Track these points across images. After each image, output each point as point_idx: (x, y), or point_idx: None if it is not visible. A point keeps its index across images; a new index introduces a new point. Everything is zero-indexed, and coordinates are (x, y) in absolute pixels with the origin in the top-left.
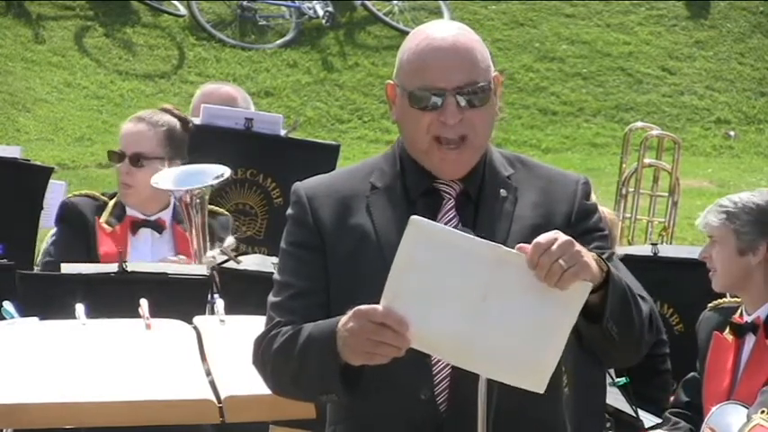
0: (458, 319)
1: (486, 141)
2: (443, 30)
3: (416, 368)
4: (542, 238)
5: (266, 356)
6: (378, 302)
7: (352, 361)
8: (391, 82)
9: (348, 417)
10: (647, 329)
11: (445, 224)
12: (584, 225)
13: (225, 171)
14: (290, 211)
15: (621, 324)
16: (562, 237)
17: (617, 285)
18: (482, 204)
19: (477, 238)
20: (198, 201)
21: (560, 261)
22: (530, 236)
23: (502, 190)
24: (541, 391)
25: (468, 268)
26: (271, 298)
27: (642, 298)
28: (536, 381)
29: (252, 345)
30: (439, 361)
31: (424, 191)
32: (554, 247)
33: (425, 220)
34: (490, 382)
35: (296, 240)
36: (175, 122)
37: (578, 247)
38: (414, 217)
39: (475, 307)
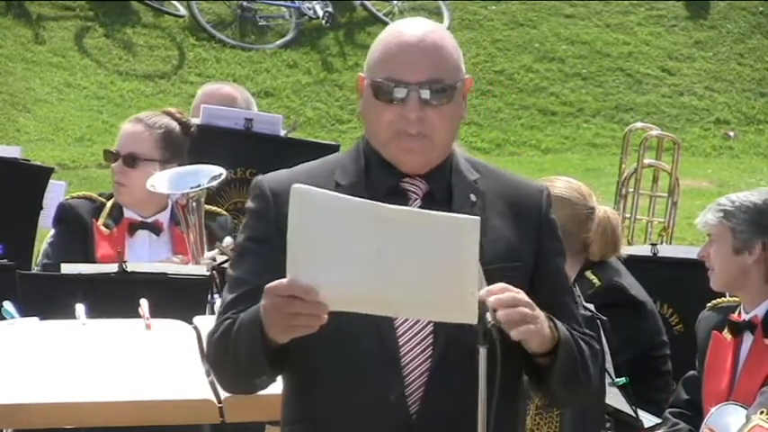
0: (363, 277)
1: (449, 142)
2: (415, 26)
3: (386, 369)
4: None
5: (210, 350)
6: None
7: (277, 338)
8: (362, 74)
9: (308, 416)
10: (592, 386)
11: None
12: (550, 245)
13: (220, 172)
14: (250, 204)
15: (567, 384)
16: (527, 300)
17: (566, 351)
18: (454, 209)
19: (357, 198)
20: (194, 203)
21: (524, 310)
22: (503, 248)
23: (472, 195)
24: (474, 322)
25: (355, 229)
26: (224, 294)
27: (590, 347)
28: (463, 314)
29: (204, 341)
30: (412, 361)
31: (389, 189)
32: (522, 296)
33: (306, 186)
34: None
35: (255, 236)
36: (174, 125)
37: (539, 313)
38: (295, 185)
39: (373, 263)
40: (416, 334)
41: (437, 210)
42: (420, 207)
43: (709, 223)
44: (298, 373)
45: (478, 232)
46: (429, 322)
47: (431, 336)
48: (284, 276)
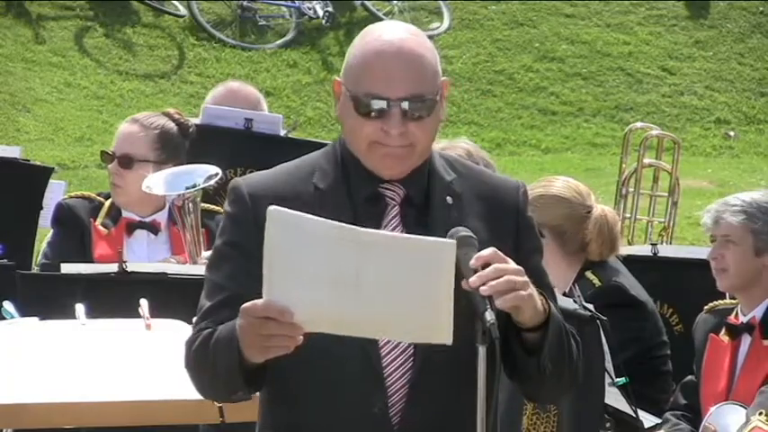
0: (339, 300)
1: (429, 147)
2: (392, 33)
3: (370, 380)
4: (505, 258)
5: (189, 358)
6: None
7: (252, 358)
8: (338, 78)
9: (288, 426)
10: (575, 370)
11: (390, 231)
12: (527, 243)
13: (216, 171)
14: (229, 208)
15: (555, 362)
16: (516, 267)
17: (556, 325)
18: (431, 213)
19: (335, 222)
20: (190, 204)
21: (511, 277)
22: (479, 248)
23: (448, 197)
24: (449, 343)
25: (333, 252)
26: (202, 300)
27: (574, 336)
28: (438, 335)
29: (184, 348)
30: (393, 372)
31: (367, 195)
32: (510, 265)
33: (283, 209)
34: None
35: (233, 240)
36: (171, 126)
37: (528, 280)
38: (271, 208)
39: (351, 287)
40: (397, 345)
41: (415, 215)
42: (398, 212)
43: (729, 224)
44: (279, 382)
45: (454, 255)
46: None
47: (411, 346)
48: (259, 282)
